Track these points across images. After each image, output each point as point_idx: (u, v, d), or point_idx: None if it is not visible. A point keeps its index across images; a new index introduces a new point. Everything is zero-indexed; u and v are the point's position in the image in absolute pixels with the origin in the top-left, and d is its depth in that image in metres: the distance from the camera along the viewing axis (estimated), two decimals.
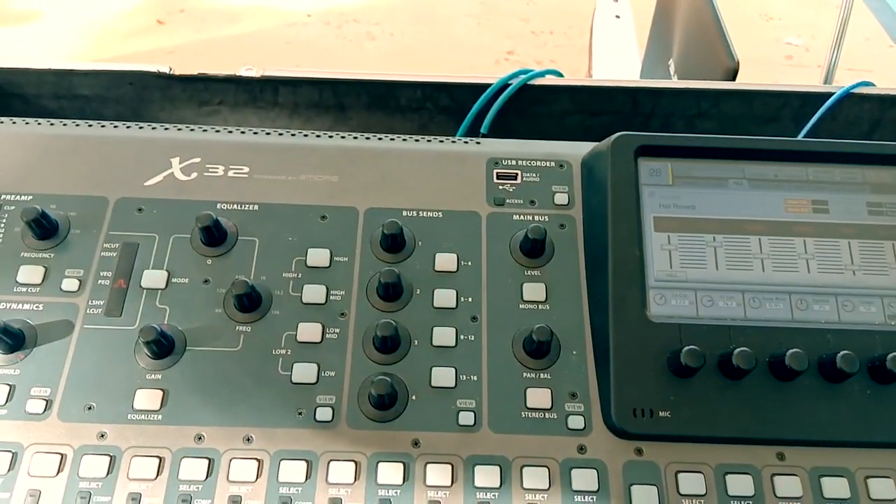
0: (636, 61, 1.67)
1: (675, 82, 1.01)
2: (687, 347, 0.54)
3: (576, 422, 0.56)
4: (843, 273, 0.61)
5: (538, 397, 0.56)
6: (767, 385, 0.56)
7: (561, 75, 0.95)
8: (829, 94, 0.92)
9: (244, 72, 0.90)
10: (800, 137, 0.92)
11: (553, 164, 0.68)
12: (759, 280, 0.60)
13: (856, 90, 0.93)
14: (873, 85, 0.95)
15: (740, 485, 0.54)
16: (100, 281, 0.60)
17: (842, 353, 0.54)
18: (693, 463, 0.55)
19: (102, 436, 0.54)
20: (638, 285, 0.58)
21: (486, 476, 0.53)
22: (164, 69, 0.88)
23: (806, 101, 0.92)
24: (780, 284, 0.60)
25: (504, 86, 0.90)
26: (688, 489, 0.53)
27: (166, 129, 0.69)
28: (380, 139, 0.69)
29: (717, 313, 0.59)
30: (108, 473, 0.53)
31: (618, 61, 1.67)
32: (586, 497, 0.53)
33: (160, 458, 0.53)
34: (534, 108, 0.93)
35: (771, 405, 0.55)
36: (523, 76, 0.91)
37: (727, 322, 0.58)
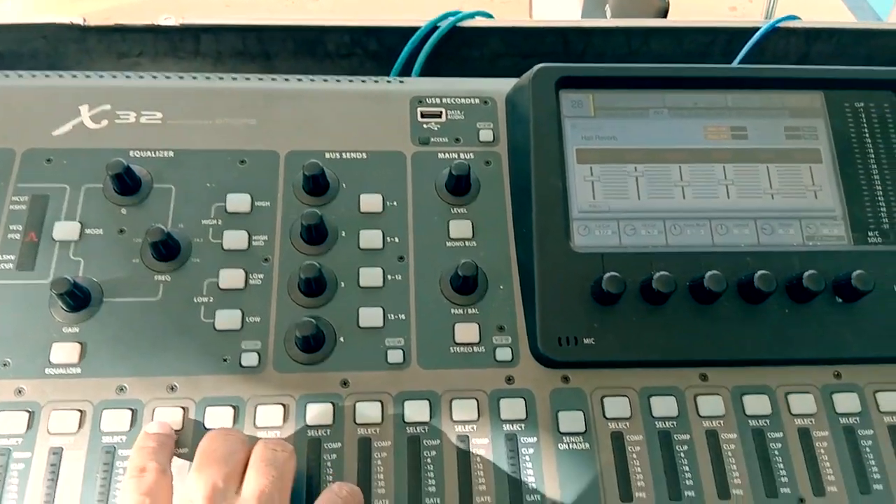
0: (576, 8, 1.66)
1: (605, 21, 1.01)
2: (608, 274, 0.55)
3: (503, 354, 0.56)
4: (762, 197, 0.62)
5: (466, 332, 0.57)
6: (689, 308, 0.57)
7: (491, 16, 0.93)
8: (756, 29, 0.92)
9: (163, 21, 0.86)
10: None
11: (477, 100, 0.67)
12: (679, 207, 0.61)
13: (782, 24, 0.93)
14: (799, 19, 0.96)
15: (664, 406, 0.55)
16: (10, 235, 0.57)
17: (760, 272, 0.55)
18: (618, 387, 0.56)
19: (19, 392, 0.52)
20: (561, 217, 0.58)
21: (416, 410, 0.54)
22: (78, 20, 0.84)
23: (734, 37, 0.93)
24: (701, 210, 0.61)
25: (433, 28, 0.88)
26: (613, 413, 0.55)
27: (74, 76, 0.66)
28: (299, 80, 0.67)
29: (640, 241, 0.60)
30: (27, 429, 0.51)
31: (556, 4, 1.66)
32: (514, 425, 0.54)
33: (81, 412, 0.52)
34: (465, 50, 0.92)
35: (693, 328, 0.56)
36: (452, 18, 0.89)
37: (649, 249, 0.59)
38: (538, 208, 0.59)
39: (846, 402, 0.56)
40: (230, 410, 0.53)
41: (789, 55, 0.96)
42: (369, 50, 0.91)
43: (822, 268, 0.57)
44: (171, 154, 0.61)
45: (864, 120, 0.65)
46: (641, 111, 0.64)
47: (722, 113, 0.64)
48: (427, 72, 0.88)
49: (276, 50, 0.90)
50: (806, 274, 0.56)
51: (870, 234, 0.61)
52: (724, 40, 0.93)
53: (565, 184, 0.60)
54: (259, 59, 0.91)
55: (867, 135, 0.64)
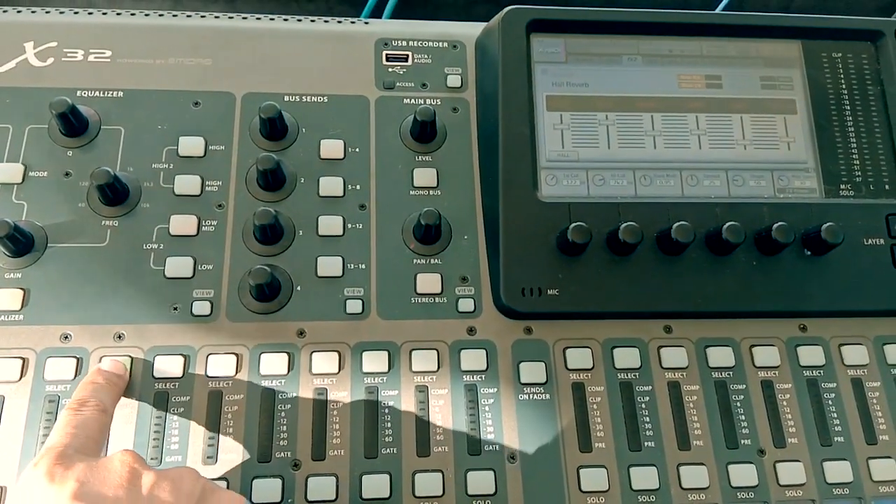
0: None
1: None
2: (574, 224, 0.53)
3: (465, 304, 0.55)
4: (735, 148, 0.60)
5: (428, 282, 0.55)
6: (655, 260, 0.56)
7: None
8: None
9: None
10: (721, 6, 0.90)
11: (446, 44, 0.64)
12: (650, 157, 0.59)
13: None
14: None
15: (627, 358, 0.54)
16: None
17: (728, 223, 0.54)
18: (581, 339, 0.55)
19: None
20: (529, 166, 0.57)
21: (374, 361, 0.52)
22: None
23: None
24: (672, 161, 0.59)
25: None
26: (575, 364, 0.54)
27: (19, 11, 0.62)
28: (258, 19, 0.64)
29: (608, 192, 0.58)
30: None
31: None
32: (475, 376, 0.53)
33: (23, 360, 0.50)
34: None
35: (659, 279, 0.55)
36: None
37: (617, 200, 0.57)
38: (505, 157, 0.57)
39: (810, 355, 0.56)
40: (180, 360, 0.51)
41: (770, 5, 0.94)
42: None
43: (793, 220, 0.56)
44: (121, 94, 0.58)
45: (842, 71, 0.63)
46: (614, 57, 0.61)
47: (697, 61, 0.62)
48: (398, 17, 0.85)
49: None
50: (775, 226, 0.55)
51: (842, 187, 0.60)
52: None
53: (534, 132, 0.58)
54: (222, 0, 0.88)
55: (844, 86, 0.63)
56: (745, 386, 0.54)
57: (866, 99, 0.62)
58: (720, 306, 0.55)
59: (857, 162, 0.61)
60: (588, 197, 0.58)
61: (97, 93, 0.58)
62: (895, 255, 0.58)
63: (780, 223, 0.55)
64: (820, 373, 0.55)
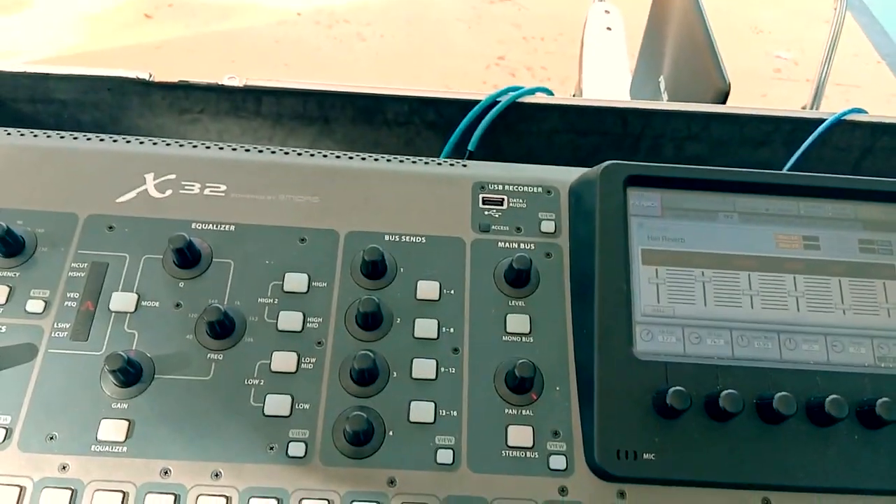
0: (626, 75, 1.66)
1: (665, 104, 1.00)
2: (673, 388, 0.53)
3: (557, 462, 0.54)
4: (834, 312, 0.59)
5: (519, 435, 0.55)
6: (754, 428, 0.54)
7: (551, 93, 0.93)
8: (821, 120, 0.91)
9: (227, 80, 0.87)
10: (790, 162, 0.91)
11: (541, 189, 0.66)
12: (747, 317, 0.59)
13: (847, 117, 0.92)
14: (865, 112, 0.94)
15: None
16: (66, 303, 0.57)
17: (831, 397, 0.53)
18: None
19: (64, 468, 0.52)
20: (624, 320, 0.57)
21: None
22: (144, 75, 0.86)
23: (797, 126, 0.92)
24: (769, 322, 0.59)
25: (493, 103, 0.88)
26: None
27: (141, 142, 0.66)
28: (363, 159, 0.67)
29: (705, 351, 0.58)
30: None
31: (608, 74, 1.66)
32: None
33: (124, 493, 0.51)
34: (522, 125, 0.92)
35: (758, 449, 0.54)
36: (513, 93, 0.89)
37: (714, 361, 0.57)
38: (601, 309, 0.57)
39: None
40: (274, 503, 0.51)
41: (853, 148, 0.95)
42: (427, 120, 0.92)
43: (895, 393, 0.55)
44: (233, 228, 0.61)
45: None
46: (711, 214, 0.62)
47: (794, 221, 0.62)
48: (483, 144, 0.88)
49: (335, 115, 0.91)
50: (879, 402, 0.53)
51: None
52: (786, 129, 0.92)
53: (629, 285, 0.59)
54: (318, 122, 0.92)
55: None
56: None
57: None
58: (821, 481, 0.53)
59: None
60: (684, 355, 0.57)
61: (210, 226, 0.61)
62: None
63: (884, 399, 0.53)
64: None
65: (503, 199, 0.65)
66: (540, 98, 0.91)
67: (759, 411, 0.54)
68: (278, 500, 0.51)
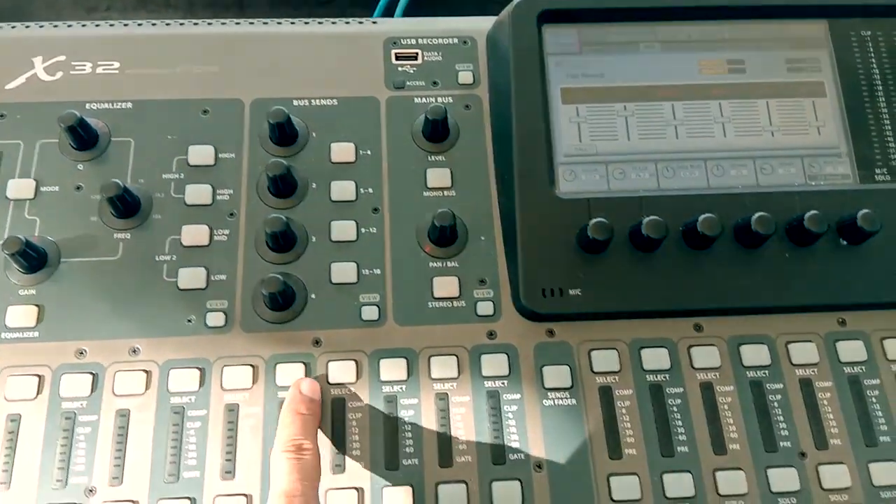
0: None
1: None
2: (594, 220, 0.51)
3: (485, 308, 0.53)
4: (762, 135, 0.58)
5: (445, 286, 0.53)
6: (682, 255, 0.53)
7: None
8: None
9: None
10: None
11: (456, 40, 0.62)
12: (672, 148, 0.57)
13: None
14: None
15: (656, 359, 0.52)
16: None
17: (757, 214, 0.52)
18: (606, 340, 0.52)
19: None
20: (544, 161, 0.55)
21: (393, 369, 0.51)
22: None
23: None
24: (695, 151, 0.57)
25: None
26: (601, 367, 0.51)
27: (27, 27, 0.62)
28: (265, 23, 0.63)
29: (629, 186, 0.56)
30: None
31: None
32: (497, 382, 0.51)
33: (39, 377, 0.49)
34: None
35: (686, 275, 0.53)
36: None
37: (639, 193, 0.55)
38: (520, 153, 0.55)
39: (851, 351, 0.53)
40: (196, 373, 0.50)
41: None
42: None
43: (826, 208, 0.54)
44: (130, 105, 0.58)
45: (872, 50, 0.60)
46: (631, 46, 0.59)
47: (718, 46, 0.59)
48: (411, 16, 0.83)
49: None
50: (807, 215, 0.52)
51: (877, 171, 0.57)
52: None
53: (549, 126, 0.56)
54: (233, 8, 0.87)
55: (875, 66, 0.60)
56: (782, 385, 0.52)
57: None
58: (753, 302, 0.53)
59: (893, 145, 0.58)
60: (608, 192, 0.56)
61: (106, 104, 0.58)
62: None
63: (812, 212, 0.52)
64: (862, 369, 0.52)
65: (417, 54, 0.62)
66: None
67: (685, 237, 0.53)
68: (200, 369, 0.50)
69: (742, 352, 0.52)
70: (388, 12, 0.83)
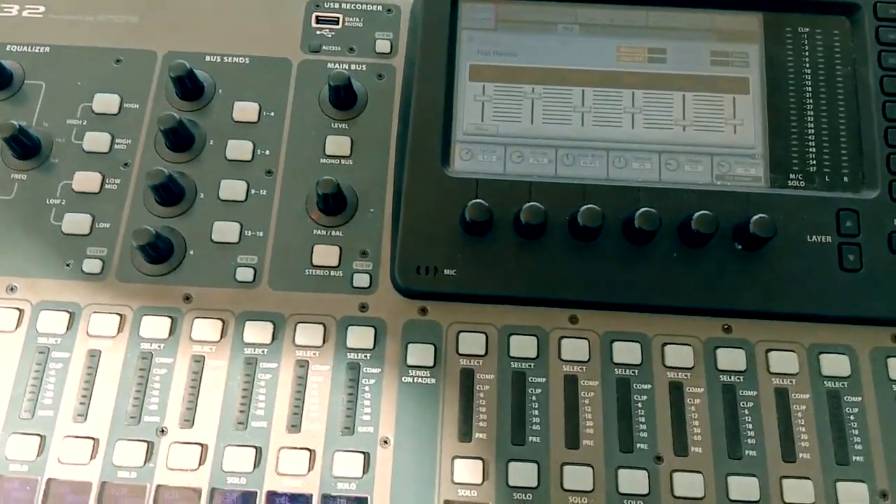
0: None
1: None
2: (473, 201, 0.50)
3: (361, 280, 0.53)
4: (672, 129, 0.55)
5: (325, 255, 0.53)
6: (566, 245, 0.52)
7: None
8: None
9: None
10: None
11: (380, 7, 0.61)
12: (576, 135, 0.55)
13: None
14: None
15: (524, 346, 0.51)
16: None
17: (641, 209, 0.50)
18: (477, 323, 0.52)
19: None
20: (438, 138, 0.54)
21: (257, 332, 0.51)
22: None
23: None
24: (599, 140, 0.55)
25: None
26: (467, 349, 0.51)
27: None
28: None
29: (525, 170, 0.55)
30: None
31: None
32: (359, 354, 0.51)
33: None
34: None
35: (567, 266, 0.52)
36: None
37: (533, 178, 0.54)
38: (414, 127, 0.54)
39: (731, 359, 0.51)
40: (65, 316, 0.51)
41: None
42: None
43: (725, 210, 0.52)
44: (48, 49, 0.59)
45: (807, 47, 0.57)
46: (549, 26, 0.57)
47: (641, 32, 0.57)
48: None
49: None
50: (695, 215, 0.50)
51: (791, 176, 0.55)
52: None
53: (451, 102, 0.55)
54: None
55: (808, 64, 0.57)
56: (650, 386, 0.50)
57: (832, 80, 0.56)
58: (631, 298, 0.51)
59: (813, 150, 0.55)
60: (503, 174, 0.54)
61: (25, 48, 0.59)
62: (842, 255, 0.52)
63: (701, 212, 0.50)
64: (739, 379, 0.51)
65: (339, 18, 0.61)
66: None
67: (570, 228, 0.52)
68: (70, 313, 0.51)
69: (614, 348, 0.51)
70: None
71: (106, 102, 0.57)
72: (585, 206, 0.50)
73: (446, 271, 0.51)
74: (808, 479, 0.48)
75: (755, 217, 0.50)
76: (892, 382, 0.51)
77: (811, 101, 0.56)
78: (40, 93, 0.57)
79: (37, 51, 0.59)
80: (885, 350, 0.52)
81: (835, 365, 0.51)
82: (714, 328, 0.52)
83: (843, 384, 0.51)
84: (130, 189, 0.55)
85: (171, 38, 0.59)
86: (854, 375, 0.51)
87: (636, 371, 0.51)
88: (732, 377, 0.51)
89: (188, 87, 0.56)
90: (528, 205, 0.50)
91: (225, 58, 0.59)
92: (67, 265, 0.52)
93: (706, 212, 0.50)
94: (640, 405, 0.50)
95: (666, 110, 0.56)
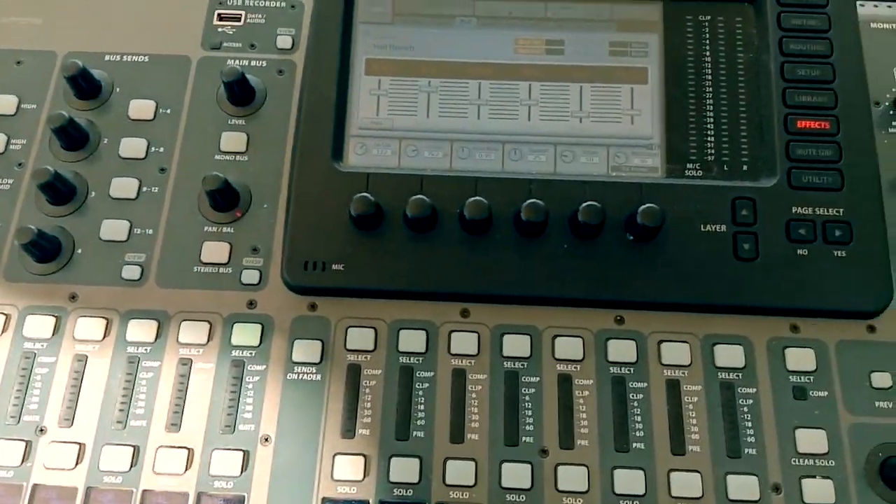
0: None
1: None
2: (358, 195, 0.50)
3: (250, 276, 0.52)
4: (568, 121, 0.55)
5: (215, 251, 0.53)
6: (457, 239, 0.51)
7: None
8: None
9: None
10: None
11: (284, 3, 0.61)
12: (471, 128, 0.55)
13: None
14: None
15: (412, 341, 0.50)
16: None
17: (528, 201, 0.49)
18: (367, 318, 0.51)
19: None
20: (329, 132, 0.53)
21: (141, 330, 0.50)
22: None
23: None
24: (495, 133, 0.55)
25: None
26: (354, 345, 0.50)
27: None
28: None
29: (419, 164, 0.54)
30: None
31: None
32: (245, 352, 0.50)
33: None
34: None
35: (457, 259, 0.51)
36: None
37: (426, 172, 0.53)
38: (305, 121, 0.54)
39: (621, 350, 0.50)
40: None
41: None
42: None
43: (618, 201, 0.51)
44: None
45: (708, 36, 0.56)
46: (447, 19, 0.57)
47: (539, 24, 0.57)
48: None
49: None
50: (582, 206, 0.49)
51: (689, 166, 0.54)
52: None
53: (345, 96, 0.55)
54: None
55: (708, 53, 0.56)
56: (538, 378, 0.50)
57: (734, 68, 0.56)
58: (523, 290, 0.51)
59: (712, 139, 0.54)
60: (398, 168, 0.54)
61: None
62: (737, 244, 0.51)
63: (588, 203, 0.49)
64: (629, 370, 0.50)
65: (241, 15, 0.61)
66: None
67: (460, 221, 0.51)
68: None
69: (504, 341, 0.50)
70: None
71: (4, 103, 0.57)
72: (472, 199, 0.49)
73: (334, 266, 0.51)
74: (698, 472, 0.47)
75: (642, 207, 0.49)
76: (789, 374, 0.50)
77: (711, 89, 0.55)
78: None
79: None
80: (783, 340, 0.51)
81: (729, 356, 0.50)
82: (606, 320, 0.51)
83: (737, 375, 0.50)
84: (23, 188, 0.54)
85: (73, 38, 0.59)
86: (749, 366, 0.50)
87: (525, 364, 0.50)
88: (622, 369, 0.50)
89: (83, 86, 0.56)
90: (413, 198, 0.49)
91: (125, 56, 0.59)
92: None
93: (593, 203, 0.49)
94: (527, 398, 0.49)
95: (562, 102, 0.55)
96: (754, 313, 0.51)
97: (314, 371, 0.50)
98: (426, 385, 0.49)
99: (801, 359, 0.51)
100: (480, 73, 0.56)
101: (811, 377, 0.50)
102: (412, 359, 0.50)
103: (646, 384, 0.50)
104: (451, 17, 0.57)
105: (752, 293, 0.51)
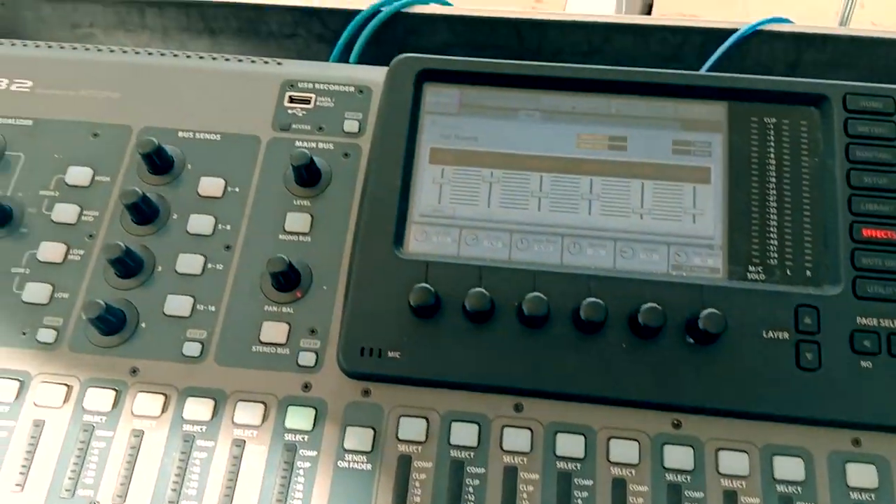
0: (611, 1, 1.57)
1: (561, 14, 0.93)
2: (418, 285, 0.50)
3: (307, 358, 0.53)
4: (629, 217, 0.55)
5: (273, 331, 0.53)
6: (515, 332, 0.51)
7: (449, 3, 0.89)
8: (735, 31, 0.83)
9: None
10: None
11: (352, 88, 0.63)
12: (531, 220, 0.55)
13: (766, 27, 0.84)
14: (789, 21, 0.86)
15: (464, 434, 0.50)
16: None
17: (588, 300, 0.49)
18: (419, 408, 0.51)
19: None
20: (392, 218, 0.54)
21: (197, 408, 0.51)
22: None
23: (708, 38, 0.84)
24: (554, 226, 0.55)
25: (375, 12, 0.85)
26: (407, 435, 0.50)
27: None
28: (175, 55, 0.65)
29: (479, 253, 0.54)
30: None
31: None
32: (298, 436, 0.50)
33: None
34: (412, 38, 0.87)
35: (514, 353, 0.51)
36: (397, 2, 0.85)
37: (485, 262, 0.53)
38: (368, 207, 0.54)
39: (678, 457, 0.49)
40: (15, 384, 0.52)
41: (776, 62, 0.87)
42: (313, 32, 0.89)
43: (679, 302, 0.51)
44: (30, 123, 0.61)
45: (772, 138, 0.56)
46: (511, 112, 0.58)
47: (602, 120, 0.57)
48: (367, 59, 0.85)
49: (220, 27, 0.89)
50: (643, 307, 0.49)
51: (751, 269, 0.53)
52: (697, 42, 0.85)
53: (408, 184, 0.56)
54: (204, 35, 0.91)
55: (772, 155, 0.56)
56: (591, 482, 0.49)
57: (798, 171, 0.55)
58: (576, 388, 0.50)
59: (775, 242, 0.54)
60: (457, 257, 0.54)
61: (10, 120, 0.61)
62: (800, 353, 0.50)
63: (650, 305, 0.49)
64: (686, 479, 0.49)
65: (311, 98, 0.63)
66: (429, 8, 0.86)
67: (518, 314, 0.51)
68: (20, 381, 0.52)
69: (557, 440, 0.50)
70: (347, 54, 0.85)
71: (79, 175, 0.59)
72: (531, 294, 0.49)
73: (390, 353, 0.51)
74: None
75: (704, 312, 0.49)
76: (849, 490, 0.48)
77: (775, 192, 0.55)
78: (19, 164, 0.60)
79: (20, 123, 0.61)
80: (844, 455, 0.49)
81: (789, 468, 0.49)
82: (663, 423, 0.50)
83: (796, 489, 0.48)
84: (92, 260, 0.56)
85: (149, 113, 0.62)
86: (809, 480, 0.48)
87: (578, 465, 0.49)
88: (679, 476, 0.49)
89: (156, 162, 0.58)
90: (473, 290, 0.50)
91: (197, 134, 0.61)
92: (24, 333, 0.54)
93: (654, 304, 0.49)
94: (580, 501, 0.48)
95: (624, 198, 0.55)
96: (816, 424, 0.50)
97: (364, 460, 0.50)
98: (476, 482, 0.49)
99: (862, 475, 0.49)
100: (542, 166, 0.56)
101: (872, 494, 0.48)
102: (464, 453, 0.50)
103: (702, 494, 0.48)
104: (515, 111, 0.58)
105: (813, 404, 0.49)
